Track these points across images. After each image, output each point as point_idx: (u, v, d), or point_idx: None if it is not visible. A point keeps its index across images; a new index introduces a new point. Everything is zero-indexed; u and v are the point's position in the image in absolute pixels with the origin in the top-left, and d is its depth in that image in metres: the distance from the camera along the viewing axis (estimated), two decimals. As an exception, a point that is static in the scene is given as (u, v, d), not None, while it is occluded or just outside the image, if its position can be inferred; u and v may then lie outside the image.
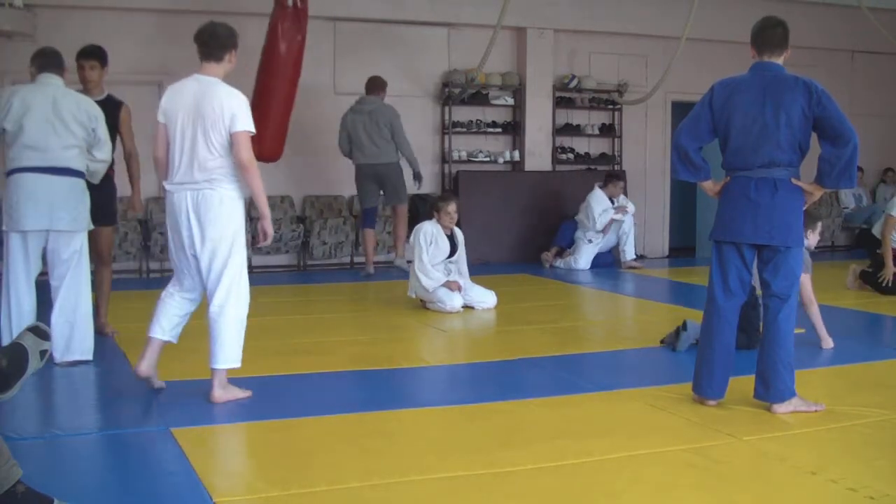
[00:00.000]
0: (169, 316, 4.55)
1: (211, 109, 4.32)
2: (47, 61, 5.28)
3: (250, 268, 9.95)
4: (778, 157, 4.24)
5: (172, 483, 3.46)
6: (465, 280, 7.49)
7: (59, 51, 5.45)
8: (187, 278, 4.54)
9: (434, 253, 7.35)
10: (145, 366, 4.51)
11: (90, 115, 5.24)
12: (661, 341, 5.87)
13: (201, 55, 4.49)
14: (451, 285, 7.30)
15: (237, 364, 4.48)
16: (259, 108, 8.26)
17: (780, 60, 4.33)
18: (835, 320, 6.86)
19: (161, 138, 4.48)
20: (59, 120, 5.11)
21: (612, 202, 10.39)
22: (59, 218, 5.12)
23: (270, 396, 4.69)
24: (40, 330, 3.03)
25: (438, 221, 7.45)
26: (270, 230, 4.62)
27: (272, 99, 8.54)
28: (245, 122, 4.36)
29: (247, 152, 4.36)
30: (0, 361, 2.86)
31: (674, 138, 4.54)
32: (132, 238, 9.46)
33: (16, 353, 2.92)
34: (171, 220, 4.48)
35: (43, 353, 3.00)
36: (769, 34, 4.33)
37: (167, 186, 4.47)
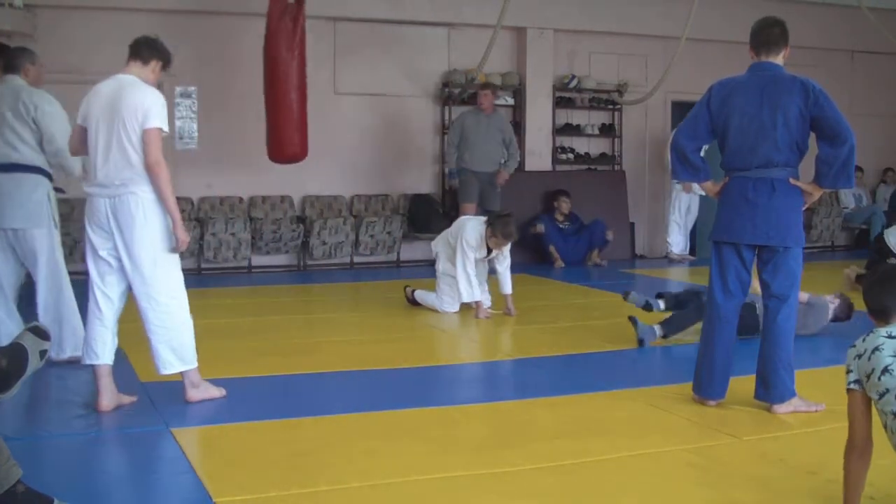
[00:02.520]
0: (98, 339, 4.34)
1: (125, 106, 4.23)
2: (5, 63, 5.25)
3: (250, 268, 10.02)
4: (776, 158, 4.23)
5: (172, 483, 3.46)
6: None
7: (21, 49, 5.38)
8: (101, 293, 4.35)
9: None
10: (107, 400, 4.33)
11: (27, 108, 5.09)
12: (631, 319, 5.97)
13: (129, 56, 4.43)
14: (480, 311, 7.06)
15: (176, 370, 4.41)
16: (284, 109, 8.34)
17: (778, 60, 4.33)
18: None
19: (76, 139, 4.45)
20: (5, 117, 5.08)
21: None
22: (12, 216, 5.09)
23: (270, 396, 4.69)
24: (40, 330, 3.03)
25: (487, 237, 7.01)
26: (184, 236, 4.34)
27: (291, 97, 8.58)
28: (158, 120, 4.23)
29: (156, 151, 4.21)
30: (0, 361, 2.86)
31: (672, 139, 4.54)
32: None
33: (16, 352, 2.92)
34: (90, 226, 4.33)
35: (42, 352, 2.99)
36: (766, 34, 4.33)
37: (86, 189, 4.35)
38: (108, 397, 4.33)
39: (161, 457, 3.79)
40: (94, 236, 4.32)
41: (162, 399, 4.49)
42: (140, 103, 4.22)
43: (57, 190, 5.35)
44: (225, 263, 9.78)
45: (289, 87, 8.47)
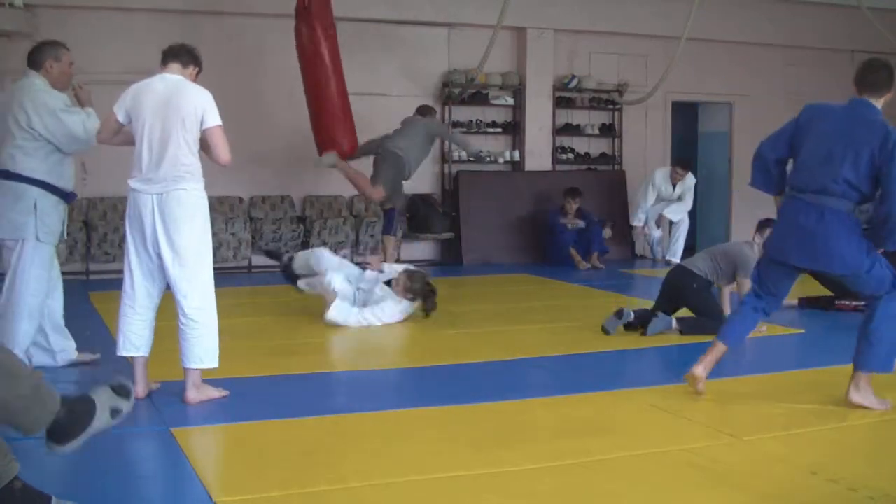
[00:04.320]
0: (136, 332, 4.49)
1: (184, 106, 4.33)
2: (28, 59, 5.01)
3: (250, 267, 10.02)
4: (831, 187, 4.26)
5: (172, 483, 3.46)
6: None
7: (44, 44, 5.08)
8: (142, 287, 4.46)
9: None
10: (142, 388, 4.48)
11: (28, 115, 4.82)
12: (604, 328, 6.20)
13: (166, 58, 4.54)
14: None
15: (217, 364, 4.49)
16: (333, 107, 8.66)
17: (878, 103, 4.33)
18: (834, 320, 6.87)
19: (109, 129, 4.51)
20: (7, 120, 4.87)
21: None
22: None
23: (270, 396, 4.69)
24: (122, 386, 2.89)
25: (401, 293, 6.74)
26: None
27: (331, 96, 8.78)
28: (217, 117, 4.40)
29: (226, 149, 4.42)
30: (58, 412, 2.76)
31: (757, 149, 4.62)
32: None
33: (80, 406, 2.80)
34: (134, 220, 4.40)
35: (115, 411, 2.85)
36: (873, 78, 4.34)
37: (132, 184, 4.39)
38: (143, 385, 4.49)
39: (161, 457, 3.79)
40: (138, 232, 4.40)
41: (162, 399, 4.49)
42: (199, 103, 4.37)
43: (69, 195, 5.08)
44: (225, 263, 9.77)
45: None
